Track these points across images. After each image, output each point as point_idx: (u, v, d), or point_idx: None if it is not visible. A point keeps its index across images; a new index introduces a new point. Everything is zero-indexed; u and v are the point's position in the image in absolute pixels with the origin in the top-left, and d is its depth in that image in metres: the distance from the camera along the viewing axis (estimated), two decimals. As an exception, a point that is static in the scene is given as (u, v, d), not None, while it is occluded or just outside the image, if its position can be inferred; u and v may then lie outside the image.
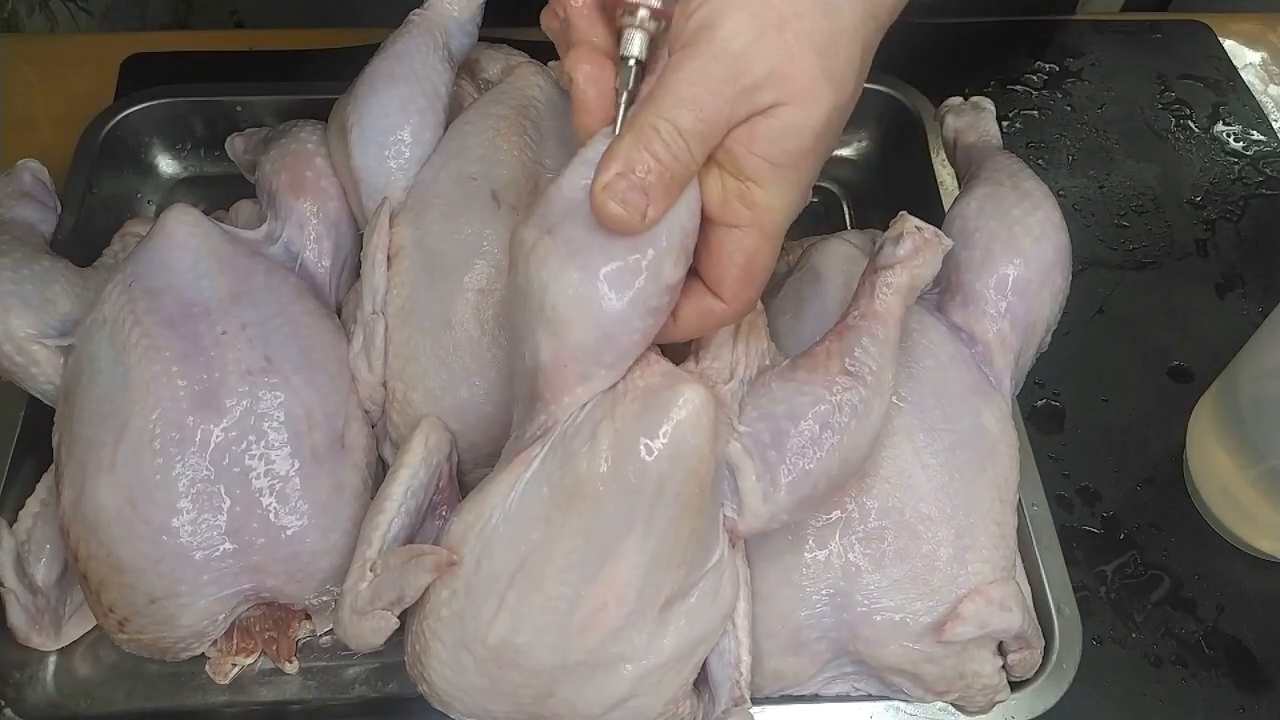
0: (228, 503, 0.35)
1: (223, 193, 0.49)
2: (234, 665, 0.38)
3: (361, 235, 0.42)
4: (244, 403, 0.36)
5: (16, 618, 0.37)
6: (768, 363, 0.33)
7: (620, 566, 0.29)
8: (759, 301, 0.32)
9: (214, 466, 0.35)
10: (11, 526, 0.38)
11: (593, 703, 0.31)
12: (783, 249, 0.45)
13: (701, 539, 0.30)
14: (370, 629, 0.32)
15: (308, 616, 0.38)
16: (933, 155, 0.49)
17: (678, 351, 0.32)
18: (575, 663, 0.30)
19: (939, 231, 0.33)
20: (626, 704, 0.31)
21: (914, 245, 0.32)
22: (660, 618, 0.30)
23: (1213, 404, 0.42)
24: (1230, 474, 0.41)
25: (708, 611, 0.31)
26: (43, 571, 0.38)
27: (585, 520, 0.29)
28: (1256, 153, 0.56)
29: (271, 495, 0.35)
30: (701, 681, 0.33)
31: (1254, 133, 0.57)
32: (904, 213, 0.32)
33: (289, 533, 0.36)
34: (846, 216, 0.53)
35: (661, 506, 0.29)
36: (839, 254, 0.39)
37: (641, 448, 0.29)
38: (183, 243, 0.38)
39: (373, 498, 0.38)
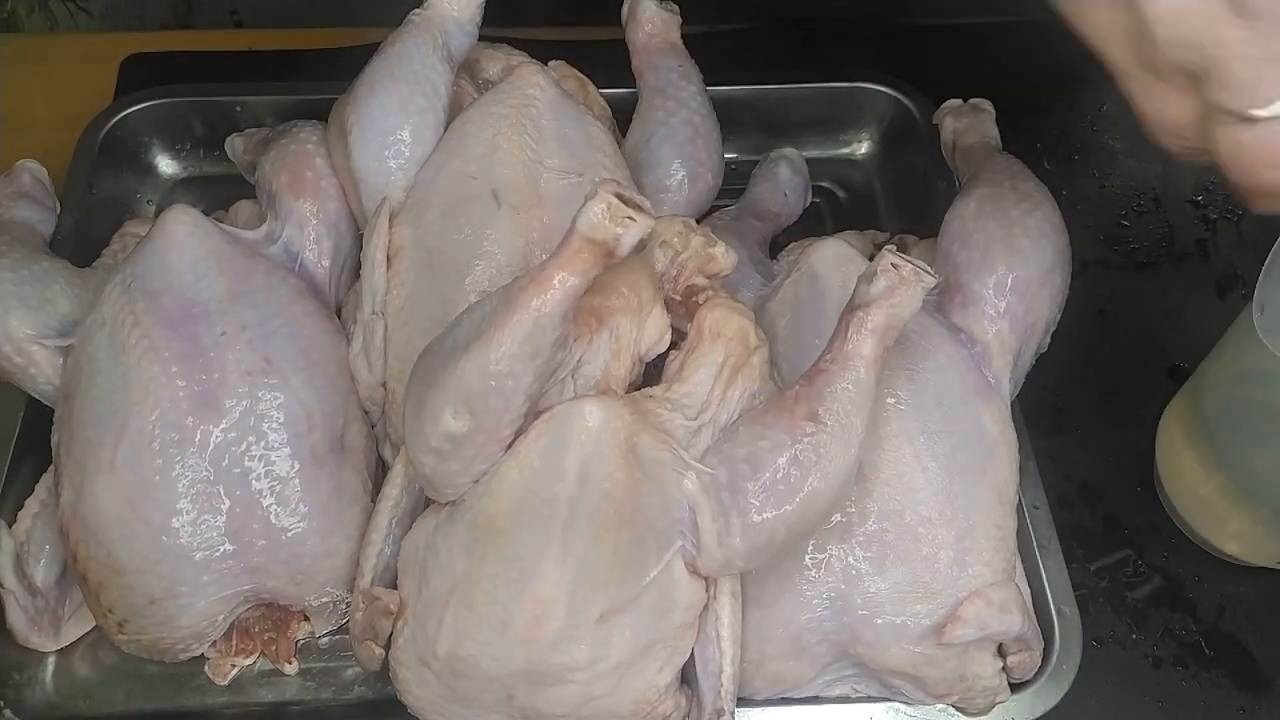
0: (227, 504, 0.35)
1: (222, 193, 0.49)
2: (233, 666, 0.38)
3: (362, 235, 0.42)
4: (243, 403, 0.36)
5: (16, 619, 0.37)
6: (758, 403, 0.32)
7: (544, 585, 0.30)
8: (760, 338, 0.32)
9: (213, 467, 0.35)
10: (11, 527, 0.38)
11: (553, 704, 0.32)
12: (781, 250, 0.46)
13: (628, 556, 0.31)
14: (365, 656, 0.35)
15: (307, 618, 0.38)
16: (933, 157, 0.49)
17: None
18: (521, 671, 0.31)
19: (920, 267, 0.30)
20: (589, 705, 0.32)
21: (889, 283, 0.29)
22: (599, 629, 0.31)
23: (1180, 409, 0.42)
24: (1199, 478, 0.40)
25: (656, 622, 0.31)
26: (42, 572, 0.38)
27: (502, 550, 0.31)
28: (1257, 153, 0.56)
29: (272, 496, 0.35)
30: (695, 684, 0.33)
31: (1255, 132, 0.56)
32: (886, 249, 0.31)
33: (289, 534, 0.36)
34: (846, 217, 0.53)
35: (576, 528, 0.30)
36: (837, 255, 0.39)
37: (547, 478, 0.30)
38: (182, 243, 0.38)
39: (373, 500, 0.38)
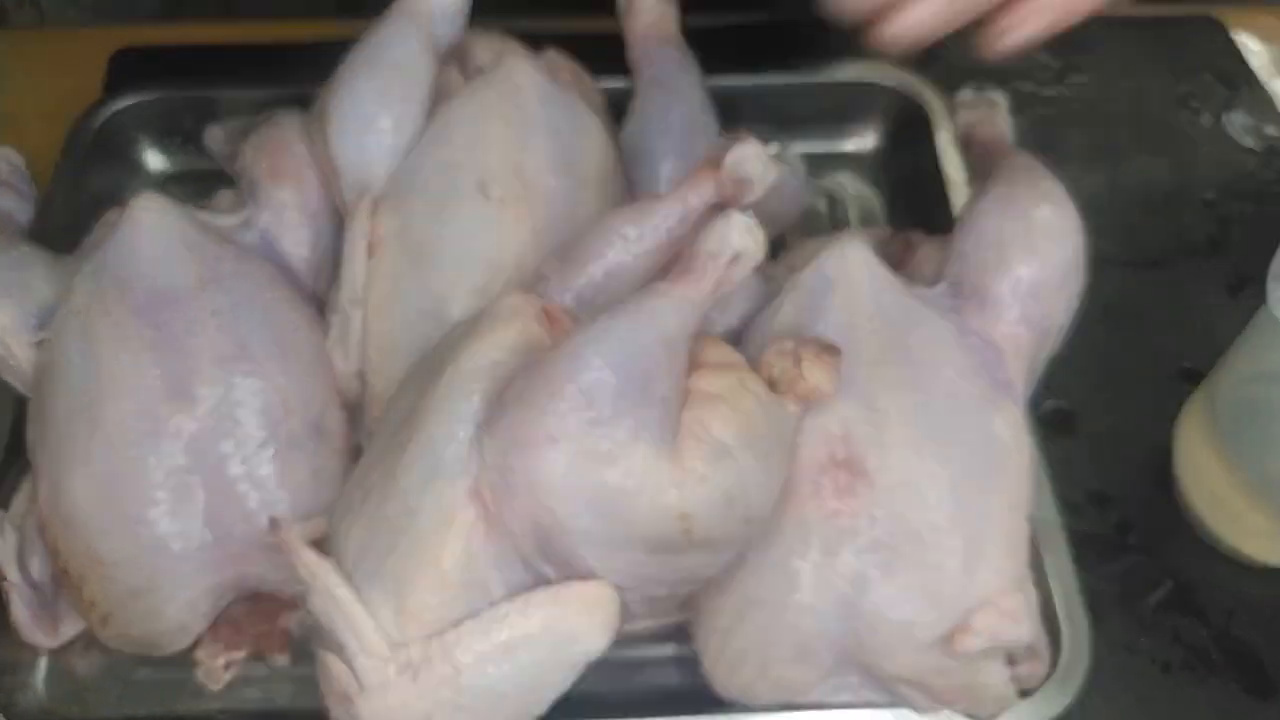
0: (204, 492, 0.35)
1: (213, 188, 0.48)
2: (227, 668, 0.37)
3: (344, 225, 0.41)
4: (217, 391, 0.35)
5: (20, 613, 0.37)
6: None
7: None
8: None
9: (189, 456, 0.35)
10: (7, 521, 0.38)
11: None
12: (782, 250, 0.45)
13: None
14: None
15: (296, 606, 0.38)
16: (940, 151, 0.48)
17: None
18: None
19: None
20: None
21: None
22: None
23: (1199, 406, 0.42)
24: (1219, 477, 0.40)
25: None
26: (38, 566, 0.37)
27: None
28: (1270, 149, 0.55)
29: (249, 482, 0.35)
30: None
31: (1268, 128, 0.56)
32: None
33: (267, 519, 0.35)
34: (850, 215, 0.52)
35: None
36: (851, 256, 0.38)
37: None
38: (150, 231, 0.37)
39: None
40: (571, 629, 0.29)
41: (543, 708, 0.30)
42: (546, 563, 0.30)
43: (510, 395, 0.29)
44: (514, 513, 0.29)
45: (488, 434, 0.29)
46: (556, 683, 0.30)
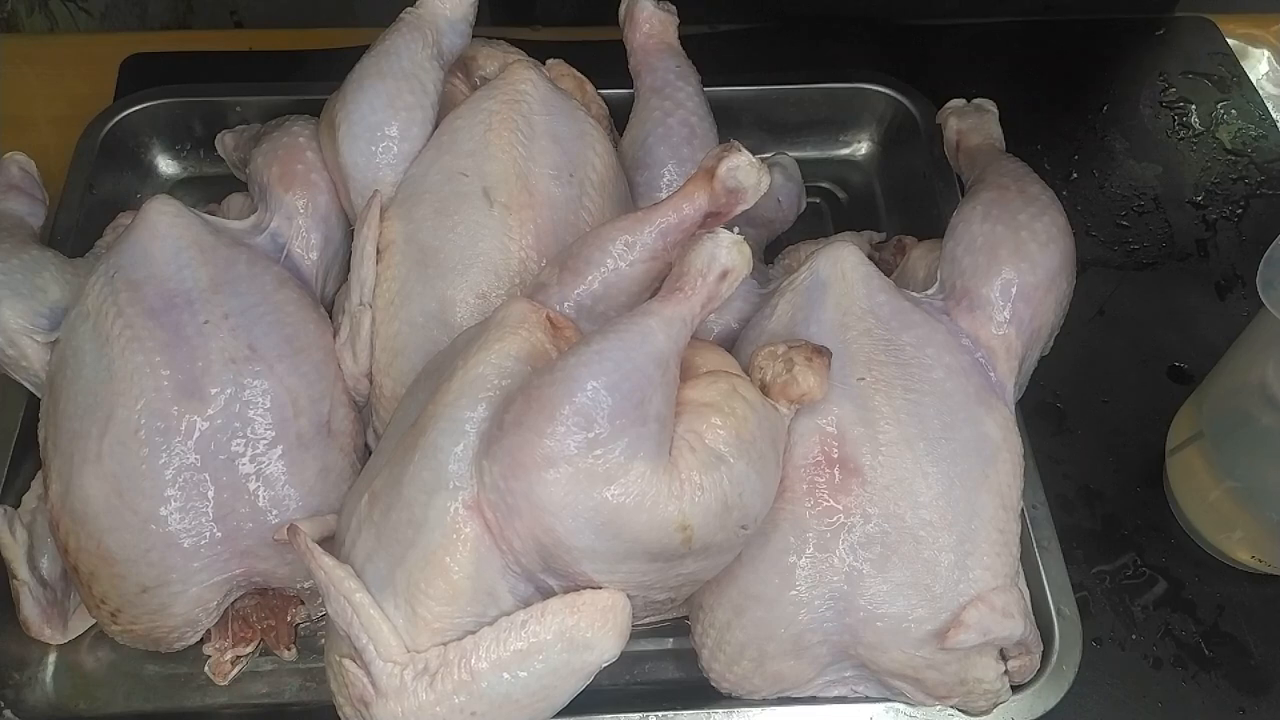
0: (214, 489, 0.35)
1: (221, 193, 0.49)
2: (234, 664, 0.38)
3: (353, 230, 0.42)
4: (228, 391, 0.36)
5: (30, 611, 0.37)
6: None
7: None
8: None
9: (200, 454, 0.35)
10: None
11: None
12: (781, 253, 0.45)
13: None
14: None
15: (302, 601, 0.38)
16: (933, 157, 0.49)
17: None
18: None
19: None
20: None
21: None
22: None
23: (1189, 414, 0.42)
24: (1208, 486, 0.40)
25: None
26: (47, 564, 0.38)
27: None
28: (1258, 151, 0.56)
29: (258, 481, 0.36)
30: None
31: (1256, 130, 0.56)
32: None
33: (276, 517, 0.36)
34: (846, 218, 0.53)
35: None
36: (845, 259, 0.38)
37: None
38: (164, 233, 0.38)
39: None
40: (586, 637, 0.30)
41: (553, 713, 0.31)
42: (550, 576, 0.30)
43: (508, 419, 0.29)
44: (516, 531, 0.29)
45: (486, 457, 0.29)
46: (569, 689, 0.31)
